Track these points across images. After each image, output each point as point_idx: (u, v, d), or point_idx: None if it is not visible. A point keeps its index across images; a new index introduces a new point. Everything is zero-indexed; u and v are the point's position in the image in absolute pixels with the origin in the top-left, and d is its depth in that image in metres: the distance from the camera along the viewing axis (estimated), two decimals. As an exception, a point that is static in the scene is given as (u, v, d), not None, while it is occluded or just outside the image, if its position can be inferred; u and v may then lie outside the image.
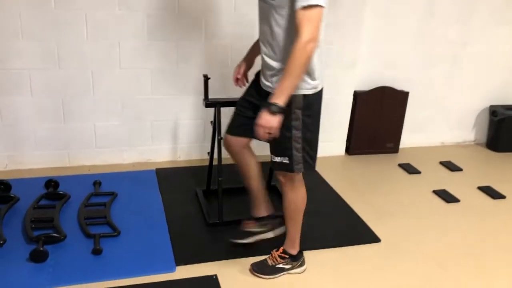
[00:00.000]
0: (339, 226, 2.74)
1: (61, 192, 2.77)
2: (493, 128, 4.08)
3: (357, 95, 3.63)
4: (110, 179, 3.06)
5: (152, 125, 3.30)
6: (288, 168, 2.07)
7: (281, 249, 2.29)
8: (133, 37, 3.03)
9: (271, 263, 2.28)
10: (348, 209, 2.93)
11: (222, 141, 2.49)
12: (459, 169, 3.65)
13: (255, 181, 2.40)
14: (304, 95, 1.96)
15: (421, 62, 3.78)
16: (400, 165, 3.65)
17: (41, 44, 2.89)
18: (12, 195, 2.69)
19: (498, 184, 3.39)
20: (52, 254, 2.27)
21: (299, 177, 2.17)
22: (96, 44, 2.98)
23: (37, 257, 2.22)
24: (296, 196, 2.20)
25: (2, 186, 2.75)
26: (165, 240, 2.48)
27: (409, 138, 3.97)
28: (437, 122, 4.07)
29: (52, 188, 2.82)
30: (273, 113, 1.83)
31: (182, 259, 2.33)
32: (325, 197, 3.09)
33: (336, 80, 3.51)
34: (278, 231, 2.45)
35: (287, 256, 2.28)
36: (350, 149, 3.78)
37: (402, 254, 2.53)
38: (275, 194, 3.03)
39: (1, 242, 2.29)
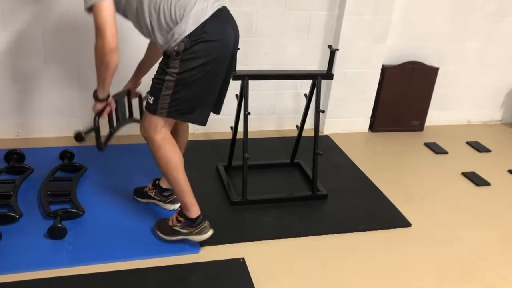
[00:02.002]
0: (368, 209, 2.62)
1: (77, 164, 2.65)
2: (523, 108, 3.91)
3: (385, 70, 3.45)
4: (125, 151, 2.93)
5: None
6: (151, 109, 1.98)
7: (178, 211, 2.18)
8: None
9: (170, 223, 2.16)
10: (376, 190, 2.80)
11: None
12: (487, 150, 3.51)
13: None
14: (179, 42, 1.86)
15: (454, 36, 3.58)
16: (426, 145, 3.50)
17: (57, 3, 2.70)
18: (26, 166, 2.56)
19: (529, 167, 3.26)
20: (70, 231, 2.17)
21: (158, 130, 2.00)
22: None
23: (56, 233, 2.11)
24: (160, 154, 2.03)
25: (15, 156, 2.62)
26: (187, 218, 2.36)
27: (434, 116, 3.82)
28: (464, 100, 3.90)
29: (68, 160, 2.69)
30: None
31: (207, 240, 2.21)
32: (351, 176, 2.96)
33: (365, 53, 3.32)
34: (175, 206, 2.38)
35: (182, 220, 2.12)
36: (374, 126, 3.63)
37: (434, 240, 2.41)
38: (299, 171, 2.92)
39: (18, 216, 2.18)
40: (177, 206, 2.38)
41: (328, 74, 2.53)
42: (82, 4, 1.85)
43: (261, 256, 2.17)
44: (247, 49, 3.10)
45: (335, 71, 3.00)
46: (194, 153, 3.02)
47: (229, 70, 2.11)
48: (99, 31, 1.82)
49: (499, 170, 3.22)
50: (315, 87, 2.53)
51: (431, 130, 3.77)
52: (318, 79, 2.51)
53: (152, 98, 1.97)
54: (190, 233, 2.14)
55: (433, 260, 2.26)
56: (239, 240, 2.25)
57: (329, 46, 2.52)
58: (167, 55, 1.92)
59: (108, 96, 2.07)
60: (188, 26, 1.85)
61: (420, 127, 3.75)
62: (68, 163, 2.66)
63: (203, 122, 2.11)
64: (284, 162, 2.96)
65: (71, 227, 2.19)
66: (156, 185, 2.41)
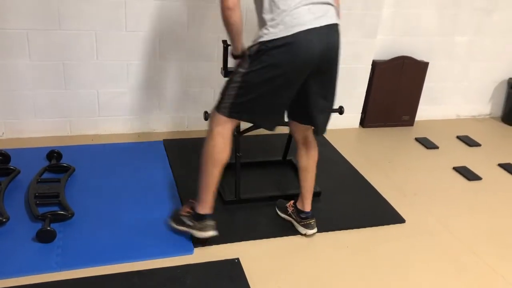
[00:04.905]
0: (362, 205, 2.60)
1: (65, 165, 2.58)
2: (511, 102, 3.93)
3: (375, 65, 3.44)
4: (115, 150, 2.88)
5: (159, 92, 3.09)
6: (216, 105, 2.01)
7: (192, 202, 2.17)
8: (141, -4, 2.78)
9: (181, 212, 2.17)
10: (369, 187, 2.79)
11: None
12: (477, 145, 3.52)
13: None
14: (260, 42, 1.86)
15: (444, 31, 3.58)
16: (417, 140, 3.50)
17: (41, 1, 2.63)
18: (12, 167, 2.49)
19: (519, 161, 3.28)
20: (60, 234, 2.11)
21: (221, 123, 2.00)
22: (100, 4, 2.72)
23: (45, 237, 2.05)
24: (209, 145, 2.03)
25: (0, 157, 2.55)
26: (180, 219, 2.32)
27: (424, 110, 3.82)
28: (453, 95, 3.91)
29: (55, 160, 2.63)
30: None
31: (200, 240, 2.17)
32: (344, 172, 2.94)
33: (356, 49, 3.30)
34: (308, 231, 2.28)
35: (191, 211, 2.13)
36: (365, 121, 3.62)
37: (429, 236, 2.41)
38: (291, 168, 2.89)
39: (4, 219, 2.11)
40: (310, 232, 2.27)
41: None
42: None
43: (256, 256, 2.14)
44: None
45: (326, 66, 2.97)
46: (185, 151, 2.98)
47: (316, 83, 1.97)
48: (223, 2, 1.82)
49: (490, 164, 3.23)
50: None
51: (421, 125, 3.77)
52: (310, 75, 2.47)
53: (220, 96, 1.99)
54: (193, 227, 2.12)
55: (427, 256, 2.26)
56: (233, 240, 2.22)
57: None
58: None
59: (244, 52, 1.97)
60: (277, 30, 1.82)
61: (410, 122, 3.74)
62: (56, 163, 2.59)
63: (269, 128, 2.10)
64: (276, 159, 2.93)
65: (61, 230, 2.13)
66: (295, 204, 2.34)
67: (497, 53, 3.83)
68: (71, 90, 2.90)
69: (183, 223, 2.15)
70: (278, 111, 2.06)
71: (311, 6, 1.83)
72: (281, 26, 1.81)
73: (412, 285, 2.07)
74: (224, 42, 2.38)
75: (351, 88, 3.44)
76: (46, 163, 2.61)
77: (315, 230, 2.29)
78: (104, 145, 2.93)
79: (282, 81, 1.89)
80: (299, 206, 2.32)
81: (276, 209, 2.43)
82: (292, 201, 2.37)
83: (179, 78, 3.09)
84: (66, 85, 2.88)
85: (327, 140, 3.31)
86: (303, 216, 2.29)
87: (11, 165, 2.52)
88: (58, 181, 2.44)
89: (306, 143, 2.25)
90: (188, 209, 2.16)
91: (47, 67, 2.80)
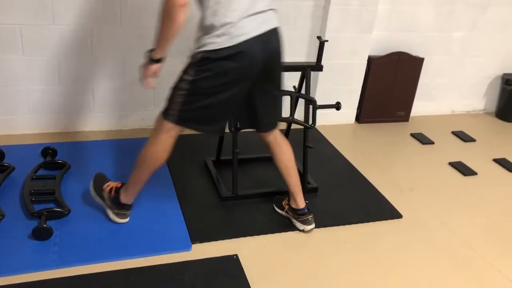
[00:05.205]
0: (359, 201, 2.60)
1: (60, 161, 2.56)
2: (505, 97, 3.95)
3: (371, 60, 3.43)
4: (110, 146, 2.85)
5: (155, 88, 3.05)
6: (163, 111, 1.99)
7: (118, 184, 2.17)
8: (136, -9, 2.75)
9: (104, 187, 2.19)
10: (366, 182, 2.79)
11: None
12: (472, 140, 3.54)
13: None
14: (204, 51, 1.84)
15: (439, 26, 3.58)
16: (413, 135, 3.51)
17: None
18: (6, 164, 2.46)
19: (513, 156, 3.30)
20: (56, 231, 2.09)
21: (167, 130, 1.99)
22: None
23: (41, 234, 2.03)
24: (150, 150, 2.03)
25: (-5, 154, 2.52)
26: (177, 215, 2.30)
27: (419, 106, 3.82)
28: (448, 90, 3.92)
29: (50, 157, 2.60)
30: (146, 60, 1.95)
31: (198, 237, 2.17)
32: (341, 168, 2.94)
33: (352, 44, 3.29)
34: (306, 227, 2.29)
35: (114, 194, 2.15)
36: (361, 117, 3.62)
37: (426, 231, 2.41)
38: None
39: (0, 217, 2.09)
40: (308, 228, 2.27)
41: (317, 66, 2.49)
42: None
43: (254, 252, 2.13)
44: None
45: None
46: (181, 147, 2.95)
47: (260, 87, 2.03)
48: None
49: (485, 160, 3.24)
50: (305, 79, 2.49)
51: (416, 120, 3.78)
52: (308, 71, 2.47)
53: (167, 103, 1.97)
54: (110, 208, 2.17)
55: (425, 252, 2.26)
56: (231, 236, 2.21)
57: (318, 37, 2.48)
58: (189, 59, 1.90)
59: (164, 57, 1.94)
60: (222, 40, 1.80)
61: (405, 117, 3.75)
62: (51, 160, 2.56)
63: (216, 133, 2.13)
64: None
65: (57, 227, 2.10)
66: (289, 203, 2.34)
67: (492, 49, 3.84)
68: (65, 85, 2.86)
69: (101, 198, 2.19)
70: (225, 116, 2.08)
71: (254, 16, 1.85)
72: (226, 37, 1.81)
73: (410, 280, 2.08)
74: None
75: (347, 84, 3.44)
76: (41, 159, 2.58)
77: (312, 225, 2.29)
78: (99, 141, 2.91)
79: (228, 87, 1.90)
80: (292, 205, 2.31)
81: (274, 205, 2.43)
82: (286, 199, 2.37)
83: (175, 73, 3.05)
84: (60, 81, 2.85)
85: (323, 136, 3.31)
86: (299, 213, 2.29)
87: (6, 162, 2.49)
88: (54, 178, 2.41)
89: (276, 142, 2.26)
90: (112, 190, 2.16)
91: (40, 63, 2.77)
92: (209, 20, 1.81)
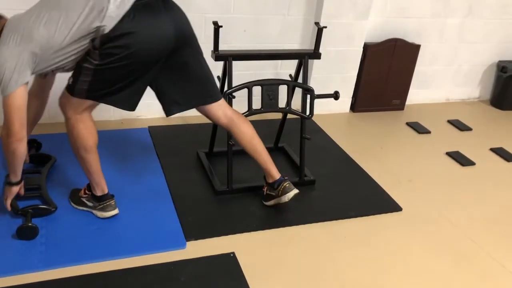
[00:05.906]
0: (358, 193, 2.53)
1: (45, 154, 2.43)
2: (500, 85, 3.90)
3: (367, 47, 3.34)
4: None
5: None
6: (68, 87, 1.89)
7: (87, 184, 2.13)
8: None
9: (80, 193, 2.15)
10: (363, 174, 2.72)
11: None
12: (469, 129, 3.48)
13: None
14: (102, 35, 1.76)
15: (436, 11, 3.50)
16: (408, 124, 3.44)
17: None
18: (-13, 158, 2.33)
19: (510, 145, 3.24)
20: (42, 230, 1.97)
21: (76, 109, 1.91)
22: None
23: (26, 234, 1.92)
24: (73, 135, 1.96)
25: (-25, 148, 2.37)
26: (170, 211, 2.21)
27: (414, 94, 3.76)
28: (443, 78, 3.86)
29: (35, 150, 2.47)
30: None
31: (193, 234, 2.07)
32: (337, 159, 2.86)
33: (347, 31, 3.19)
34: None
35: (89, 193, 2.12)
36: (355, 106, 3.53)
37: (426, 224, 2.35)
38: (283, 156, 2.79)
39: (-19, 216, 1.97)
40: (290, 195, 2.19)
41: (315, 54, 2.39)
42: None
43: (251, 249, 2.05)
44: (225, 27, 2.90)
45: (318, 49, 2.86)
46: (172, 138, 2.85)
47: (177, 60, 1.97)
48: (8, 121, 1.78)
49: (482, 149, 3.19)
50: (302, 67, 2.39)
51: (411, 109, 3.71)
52: (305, 58, 2.36)
53: (72, 79, 1.87)
54: (94, 207, 2.11)
55: (426, 244, 2.20)
56: (227, 233, 2.12)
57: (316, 23, 2.37)
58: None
59: (22, 179, 2.00)
60: (107, 26, 1.73)
61: (401, 106, 3.68)
62: (36, 153, 2.44)
63: (129, 109, 1.98)
64: (268, 146, 2.81)
65: (43, 226, 1.99)
66: (267, 183, 2.28)
67: (487, 36, 3.78)
68: (49, 74, 2.72)
69: (84, 204, 2.13)
70: (138, 92, 1.98)
71: None
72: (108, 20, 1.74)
73: (412, 274, 2.02)
74: (215, 23, 2.25)
75: (343, 72, 3.35)
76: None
77: (294, 191, 2.20)
78: (86, 133, 2.78)
79: (139, 62, 1.83)
80: (269, 180, 2.25)
81: (263, 201, 2.33)
82: (264, 186, 2.30)
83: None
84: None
85: (318, 126, 3.22)
86: (276, 185, 2.22)
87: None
88: (39, 172, 2.29)
89: (234, 123, 2.17)
90: (86, 191, 2.13)
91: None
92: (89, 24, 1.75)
